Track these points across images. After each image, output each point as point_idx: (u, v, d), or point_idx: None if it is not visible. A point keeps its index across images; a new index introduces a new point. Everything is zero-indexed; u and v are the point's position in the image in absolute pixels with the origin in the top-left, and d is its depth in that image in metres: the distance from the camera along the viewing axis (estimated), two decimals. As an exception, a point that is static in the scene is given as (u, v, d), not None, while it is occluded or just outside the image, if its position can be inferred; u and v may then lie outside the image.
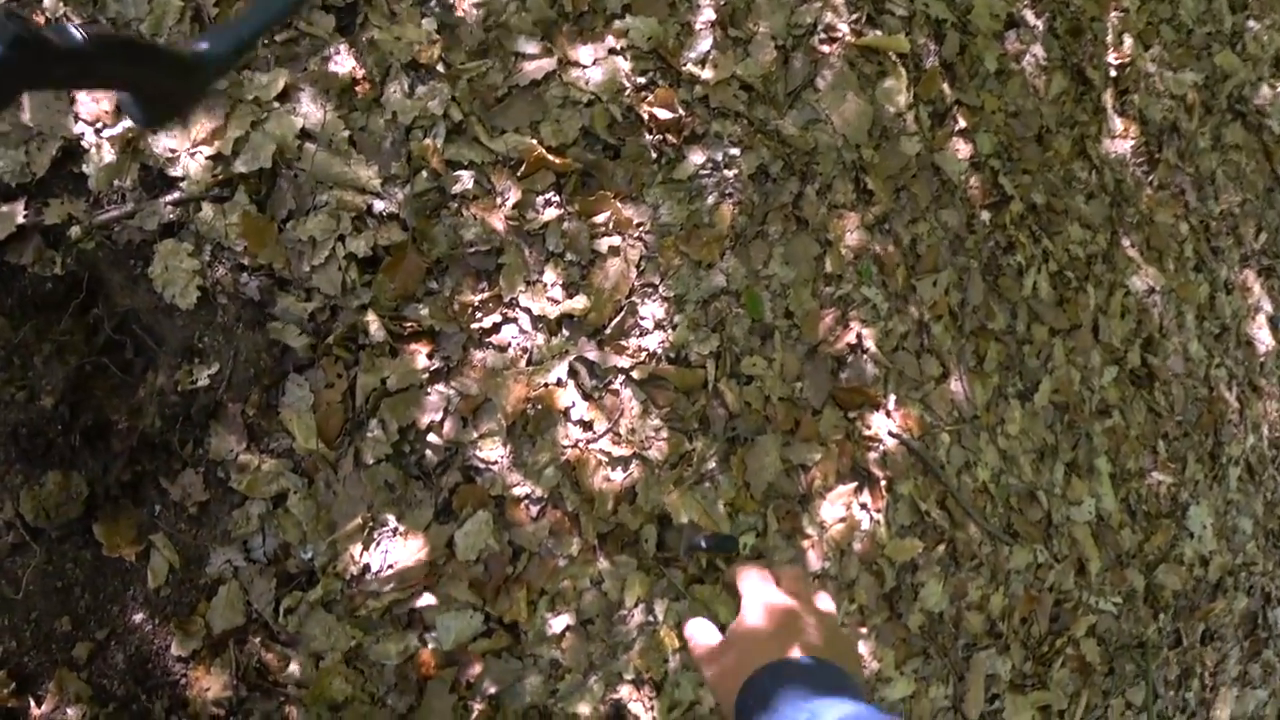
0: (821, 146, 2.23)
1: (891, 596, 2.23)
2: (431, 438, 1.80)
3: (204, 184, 1.76)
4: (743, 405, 2.07)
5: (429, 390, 1.81)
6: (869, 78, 2.34)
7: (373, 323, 1.77)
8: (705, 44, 2.15)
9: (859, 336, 2.21)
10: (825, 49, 2.29)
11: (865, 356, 2.22)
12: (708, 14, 2.18)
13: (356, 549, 1.76)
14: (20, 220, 1.71)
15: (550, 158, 1.91)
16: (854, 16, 2.34)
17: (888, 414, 2.23)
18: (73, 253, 1.75)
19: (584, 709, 1.91)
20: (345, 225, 1.78)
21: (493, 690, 1.84)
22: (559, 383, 1.88)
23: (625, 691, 1.95)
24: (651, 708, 1.96)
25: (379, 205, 1.82)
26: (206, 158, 1.76)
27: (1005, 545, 2.37)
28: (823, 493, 2.14)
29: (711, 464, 2.03)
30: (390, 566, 1.77)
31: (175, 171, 1.77)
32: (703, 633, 0.94)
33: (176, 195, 1.77)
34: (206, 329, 1.77)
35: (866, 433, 2.20)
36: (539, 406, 1.86)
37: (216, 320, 1.77)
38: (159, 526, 1.70)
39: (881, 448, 2.22)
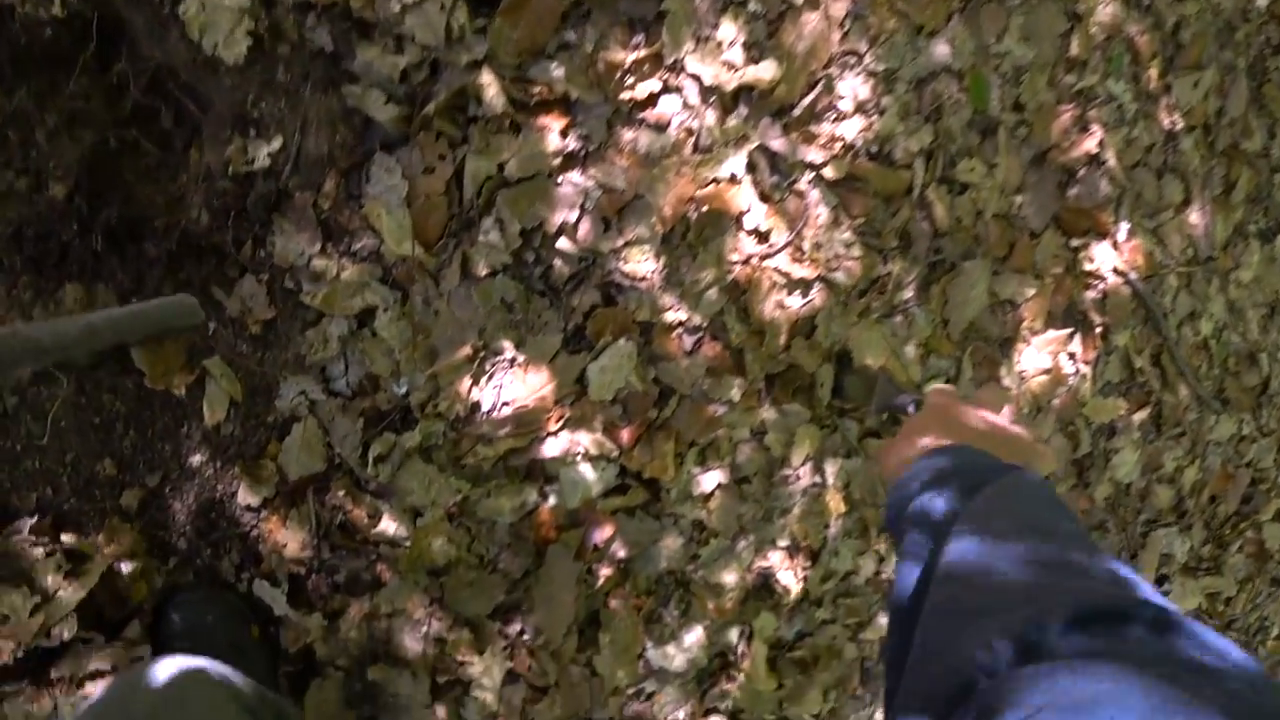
0: (1082, -124, 1.41)
1: (1082, 463, 1.61)
2: (563, 244, 1.16)
3: None
4: (952, 221, 1.38)
5: (561, 180, 1.15)
6: None
7: (488, 85, 1.09)
8: None
9: (1100, 145, 1.47)
10: None
11: (1100, 170, 1.49)
12: None
13: (464, 383, 1.17)
14: (-4, -95, 1.03)
15: None
16: None
17: (1115, 246, 1.53)
18: (79, -26, 1.07)
19: (728, 577, 1.36)
20: (452, -63, 1.07)
21: (623, 554, 1.29)
22: (733, 178, 1.21)
23: (776, 559, 1.39)
24: (804, 578, 1.41)
25: (499, -90, 1.09)
26: None
27: (1213, 413, 1.72)
28: (1028, 336, 1.48)
29: (908, 293, 1.37)
30: (505, 405, 1.19)
31: None
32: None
33: (216, -121, 1.06)
34: (264, 91, 1.11)
35: (1088, 266, 1.51)
36: (705, 208, 1.20)
37: (276, 80, 1.11)
38: (214, 349, 1.12)
39: (1102, 287, 1.53)
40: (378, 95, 1.09)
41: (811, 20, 1.23)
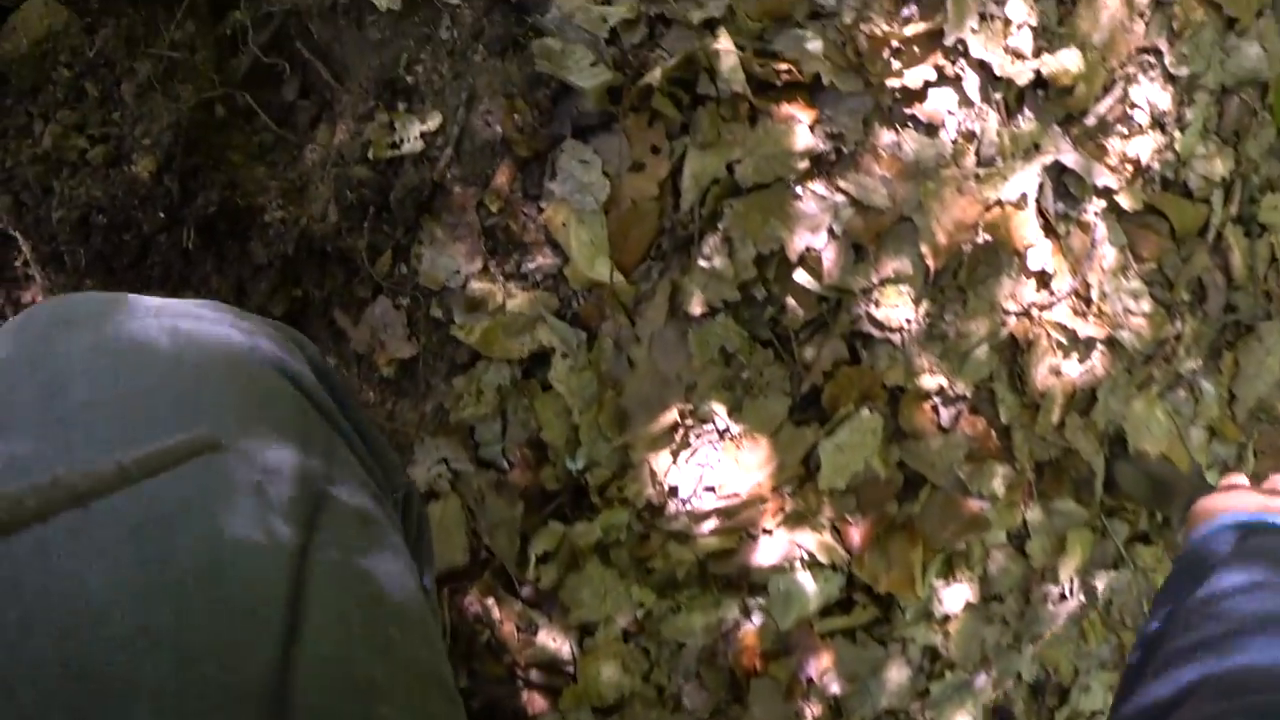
0: None
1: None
2: (801, 277, 0.86)
3: None
4: (1246, 270, 1.07)
5: (804, 191, 0.85)
6: None
7: (725, 55, 0.80)
8: None
9: None
10: None
11: None
12: None
13: (659, 459, 0.85)
14: None
15: None
16: None
17: None
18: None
19: (960, 718, 1.03)
20: None
21: (836, 689, 0.96)
22: (1021, 201, 0.90)
23: (1019, 695, 1.06)
24: (1048, 718, 1.08)
25: None
26: None
27: None
28: (1322, 419, 1.17)
29: (1195, 361, 1.06)
30: (710, 491, 0.87)
31: None
32: None
33: None
34: (421, 50, 0.83)
35: (1393, 332, 1.20)
36: (986, 239, 0.89)
37: (439, 35, 0.82)
38: (332, 394, 0.81)
39: (1406, 357, 1.22)
40: (578, 57, 0.79)
41: (1111, 4, 0.95)
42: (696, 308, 0.84)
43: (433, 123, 0.83)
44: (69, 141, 0.80)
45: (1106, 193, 0.96)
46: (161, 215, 0.79)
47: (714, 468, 0.87)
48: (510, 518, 0.85)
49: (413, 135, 0.83)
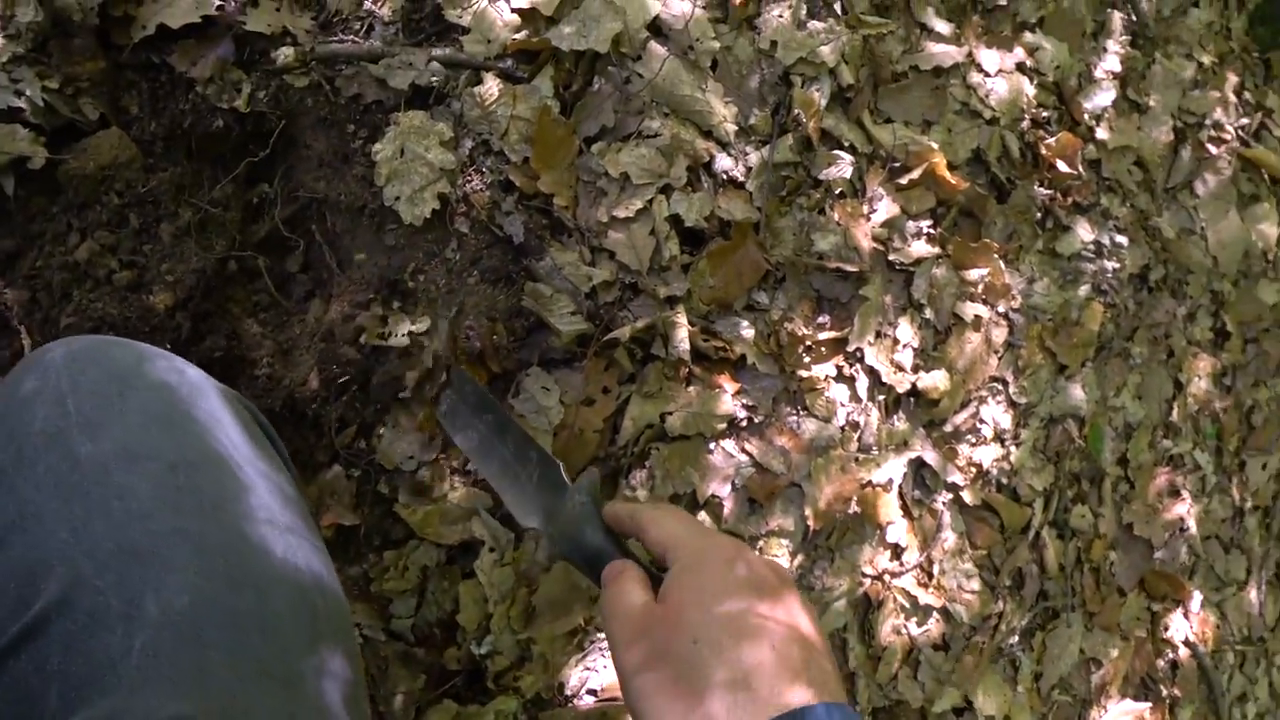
0: (1194, 265, 1.47)
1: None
2: (703, 517, 0.99)
3: (498, 47, 0.96)
4: (1057, 566, 1.27)
5: (718, 447, 1.00)
6: (1245, 198, 1.59)
7: (679, 327, 0.96)
8: (1105, 98, 1.39)
9: (1188, 512, 1.43)
10: (1212, 149, 1.54)
11: (1182, 538, 1.44)
12: (1111, 62, 1.42)
13: (556, 658, 0.94)
14: (212, 8, 0.90)
15: (944, 174, 1.13)
16: (1243, 122, 1.59)
17: (1187, 615, 1.45)
18: (271, 86, 0.93)
19: None
20: (675, 173, 0.98)
21: None
22: (888, 485, 1.08)
23: None
24: None
25: (723, 162, 1.02)
26: (515, 9, 0.96)
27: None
28: (1105, 702, 1.35)
29: (1014, 638, 1.23)
30: (591, 694, 0.95)
31: (460, 16, 0.96)
32: (630, 583, 0.52)
33: (450, 50, 0.96)
34: (428, 262, 0.95)
35: (1165, 633, 1.42)
36: (856, 511, 1.06)
37: (445, 254, 0.96)
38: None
39: (1173, 656, 1.43)
40: (561, 303, 0.93)
41: (974, 340, 1.18)
42: (613, 528, 0.95)
43: (421, 325, 0.95)
44: (100, 259, 0.87)
45: (954, 488, 1.16)
46: (168, 347, 0.86)
47: (599, 673, 0.96)
48: (410, 689, 0.90)
49: (401, 331, 0.94)
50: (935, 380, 1.11)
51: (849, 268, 1.04)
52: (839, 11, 1.11)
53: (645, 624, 0.49)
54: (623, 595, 0.52)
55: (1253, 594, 1.56)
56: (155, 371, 0.59)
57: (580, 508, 0.61)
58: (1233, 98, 1.60)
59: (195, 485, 0.53)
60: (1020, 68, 1.29)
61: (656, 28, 1.00)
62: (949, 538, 1.16)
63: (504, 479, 0.73)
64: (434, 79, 0.94)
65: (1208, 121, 1.55)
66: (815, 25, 1.07)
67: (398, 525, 0.93)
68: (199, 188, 0.91)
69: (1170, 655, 1.44)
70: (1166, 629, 1.43)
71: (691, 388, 0.98)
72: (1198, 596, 1.47)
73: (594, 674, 0.96)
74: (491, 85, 0.94)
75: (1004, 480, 1.22)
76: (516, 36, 0.95)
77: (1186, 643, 1.45)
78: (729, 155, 1.02)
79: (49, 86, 0.84)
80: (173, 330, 0.85)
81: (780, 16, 1.06)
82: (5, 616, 0.48)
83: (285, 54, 0.91)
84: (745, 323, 1.01)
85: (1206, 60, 1.55)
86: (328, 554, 0.61)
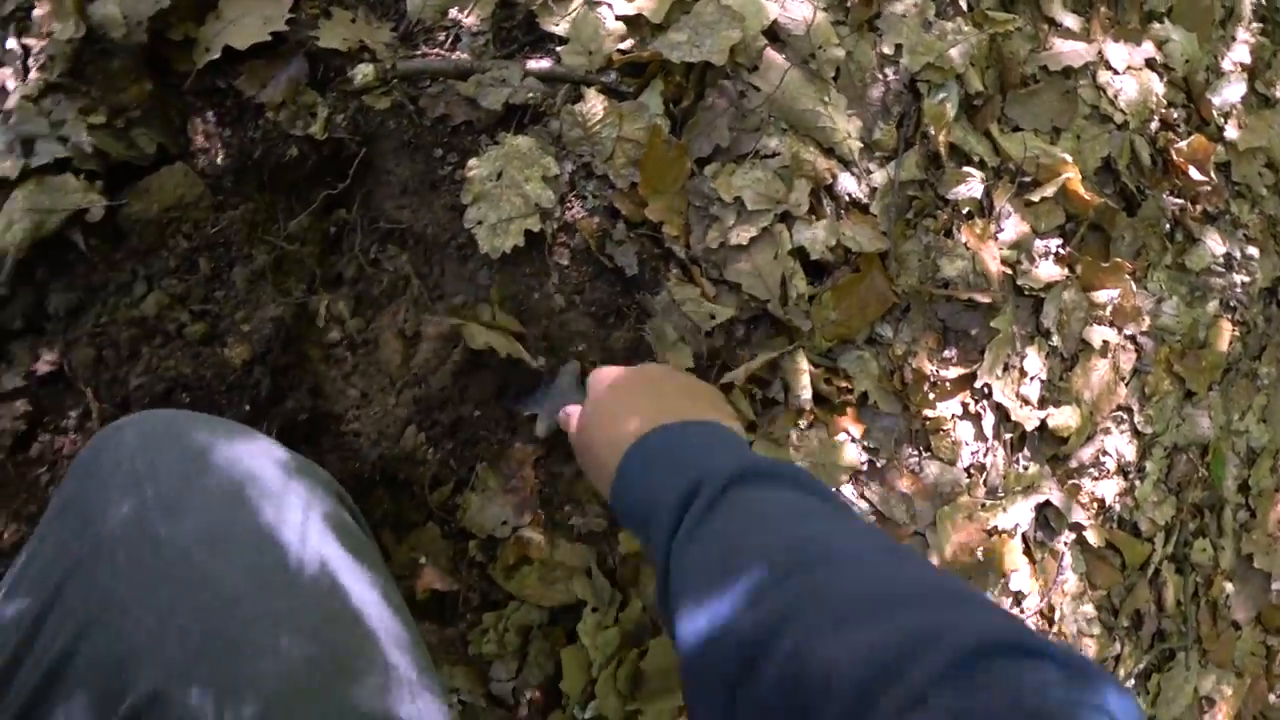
0: (1320, 274, 1.32)
1: None
2: (821, 571, 0.88)
3: (600, 59, 0.83)
4: (1174, 603, 1.16)
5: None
6: (1373, 202, 1.43)
7: (800, 369, 0.84)
8: (1234, 92, 1.23)
9: (1309, 540, 1.30)
10: (1340, 147, 1.38)
11: (1299, 566, 1.32)
12: (1240, 52, 1.26)
13: (668, 724, 0.84)
14: (281, 23, 0.78)
15: (1077, 189, 0.99)
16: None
17: (1301, 647, 1.33)
18: (349, 108, 0.82)
19: None
20: (795, 198, 0.86)
21: None
22: (1012, 531, 0.96)
23: None
24: None
25: (846, 182, 0.89)
26: (619, 16, 0.83)
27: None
28: (1217, 740, 1.24)
29: (1131, 681, 1.12)
30: (702, 758, 0.86)
31: (556, 25, 0.84)
32: (574, 415, 0.69)
33: (549, 64, 0.84)
34: (527, 297, 0.84)
35: (1278, 669, 1.30)
36: (981, 560, 0.94)
37: (544, 290, 0.84)
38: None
39: (1285, 690, 1.32)
40: (678, 339, 0.82)
41: (1101, 368, 1.05)
42: (727, 587, 0.85)
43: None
44: (169, 311, 0.77)
45: (1077, 527, 1.04)
46: (247, 408, 0.76)
47: (711, 737, 0.86)
48: (512, 760, 0.81)
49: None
50: (1065, 418, 0.98)
51: (980, 298, 0.92)
52: (964, 8, 0.97)
53: (584, 418, 0.66)
54: (573, 422, 0.68)
55: (1366, 620, 1.43)
56: (233, 449, 0.54)
57: (565, 383, 0.79)
58: (1362, 87, 1.43)
59: (281, 564, 0.49)
60: (1149, 64, 1.14)
61: (774, 34, 0.87)
62: (1069, 579, 1.05)
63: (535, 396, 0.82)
64: (530, 96, 0.82)
65: (1335, 114, 1.39)
66: (943, 25, 0.93)
67: (497, 590, 0.83)
68: (273, 224, 0.80)
69: (1282, 688, 1.32)
70: (1280, 661, 1.31)
71: (813, 432, 0.87)
72: (1312, 626, 1.34)
73: (704, 740, 0.86)
74: (594, 102, 0.82)
75: (1125, 515, 1.10)
76: (621, 47, 0.83)
77: (1300, 675, 1.32)
78: (852, 174, 0.89)
79: (94, 123, 0.73)
80: (251, 388, 0.75)
81: (905, 16, 0.92)
82: (93, 713, 0.45)
83: (363, 72, 0.79)
84: (866, 357, 0.89)
85: (1337, 48, 1.38)
86: (426, 654, 0.54)
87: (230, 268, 0.79)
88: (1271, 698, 1.32)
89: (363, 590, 0.52)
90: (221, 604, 0.47)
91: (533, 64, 0.84)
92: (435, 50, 0.84)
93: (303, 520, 0.52)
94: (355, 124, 0.82)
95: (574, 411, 0.70)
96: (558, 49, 0.84)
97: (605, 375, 0.67)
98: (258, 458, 0.54)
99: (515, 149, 0.80)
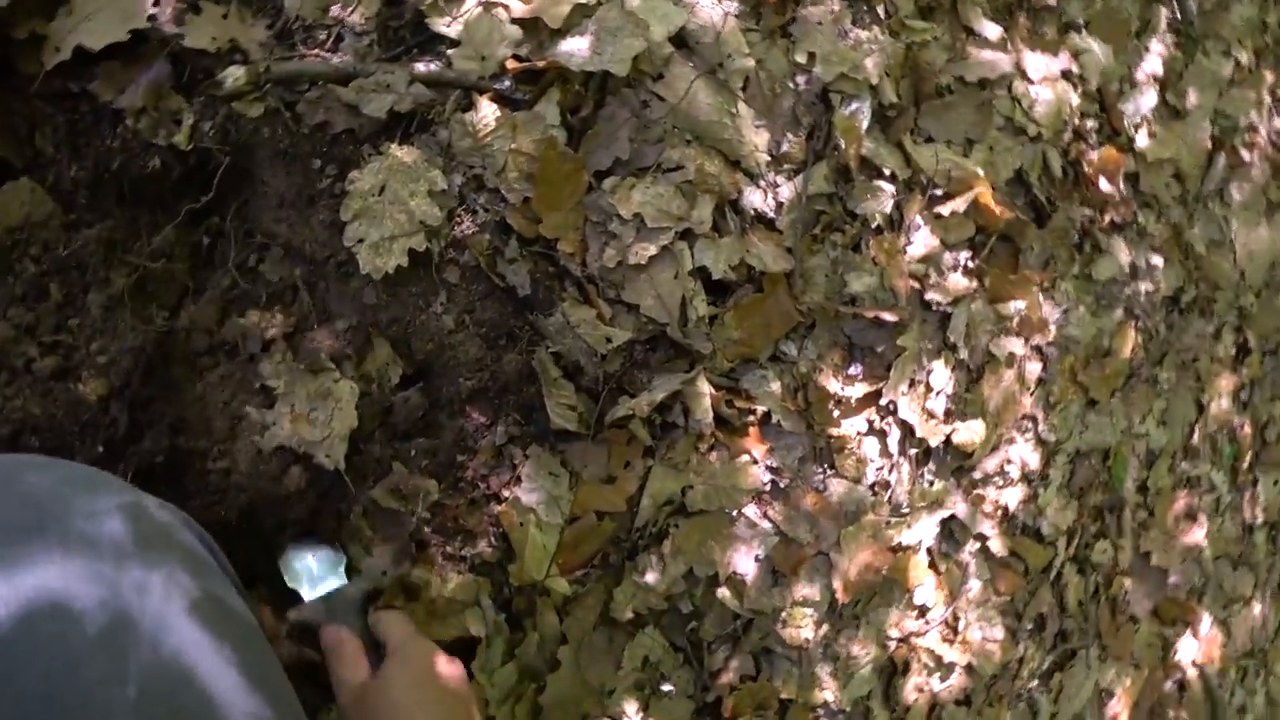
0: (1222, 280, 1.33)
1: None
2: (724, 593, 0.86)
3: (494, 64, 0.78)
4: (1075, 603, 1.17)
5: (740, 518, 0.86)
6: (1275, 205, 1.45)
7: (701, 396, 0.81)
8: (1146, 102, 1.22)
9: (1206, 535, 1.33)
10: (1245, 154, 1.39)
11: (1195, 560, 1.34)
12: (1153, 64, 1.25)
13: (566, 755, 0.81)
14: (142, 20, 0.71)
15: (988, 202, 0.97)
16: (1277, 124, 1.44)
17: (1196, 636, 1.36)
18: (218, 115, 0.74)
19: None
20: (698, 215, 0.81)
21: None
22: (916, 546, 0.95)
23: None
24: None
25: (752, 197, 0.85)
26: (515, 20, 0.77)
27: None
28: (1113, 731, 1.27)
29: (1034, 682, 1.13)
30: (604, 785, 0.83)
31: (447, 27, 0.78)
32: (353, 662, 0.68)
33: (436, 67, 0.78)
34: (411, 317, 0.79)
35: (1175, 657, 1.33)
36: (886, 576, 0.93)
37: (430, 310, 0.79)
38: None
39: (1181, 678, 1.35)
40: (565, 393, 0.78)
41: (1007, 379, 1.04)
42: (626, 615, 0.82)
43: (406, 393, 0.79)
44: (17, 345, 0.70)
45: (981, 538, 1.03)
46: (100, 449, 0.70)
47: (612, 764, 0.84)
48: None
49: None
50: (970, 432, 0.97)
51: (887, 316, 0.89)
52: (881, 16, 0.93)
53: (364, 691, 0.66)
54: (349, 667, 0.68)
55: (1257, 609, 1.48)
56: (53, 521, 0.44)
57: (356, 593, 0.73)
58: (1268, 98, 1.44)
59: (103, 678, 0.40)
60: (1065, 75, 1.12)
61: (681, 39, 0.82)
62: (974, 587, 1.04)
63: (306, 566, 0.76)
64: (417, 103, 0.76)
65: (1242, 124, 1.40)
66: (859, 34, 0.89)
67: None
68: (135, 241, 0.73)
69: (1178, 677, 1.36)
70: (1176, 653, 1.34)
71: (714, 455, 0.84)
72: (1207, 618, 1.38)
73: (605, 766, 0.84)
74: (486, 111, 0.76)
75: (1029, 522, 1.10)
76: (518, 53, 0.77)
77: (1194, 664, 1.36)
78: (759, 188, 0.85)
79: None
80: (107, 427, 0.68)
81: (819, 24, 0.88)
82: None
83: (234, 75, 0.72)
84: (769, 376, 0.86)
85: (1244, 58, 1.39)
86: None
87: (85, 293, 0.72)
88: (1168, 685, 1.35)
89: (218, 675, 0.46)
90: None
91: (421, 68, 0.77)
92: (314, 51, 0.77)
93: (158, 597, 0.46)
94: (225, 132, 0.74)
95: (344, 640, 0.69)
96: (449, 52, 0.78)
97: (422, 663, 0.68)
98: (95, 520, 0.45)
99: (399, 161, 0.74)
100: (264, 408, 0.75)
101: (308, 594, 0.73)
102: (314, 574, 0.75)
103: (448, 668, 0.70)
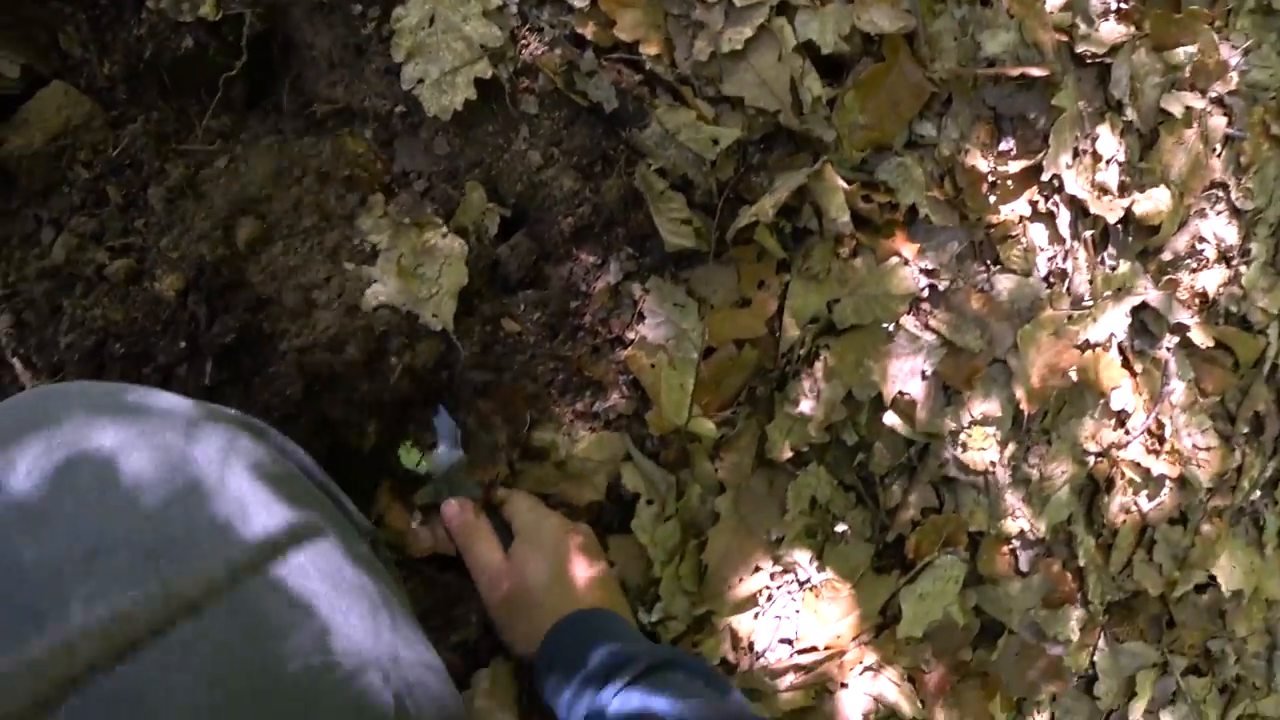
0: None
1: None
2: (891, 419, 0.75)
3: None
4: (1297, 401, 1.00)
5: (898, 330, 0.75)
6: None
7: (832, 189, 0.69)
8: None
9: None
10: None
11: None
12: None
13: (743, 616, 0.73)
14: None
15: (1138, -81, 0.79)
16: None
17: None
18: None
19: None
20: (796, -17, 0.68)
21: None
22: (1107, 343, 0.81)
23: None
24: None
25: (855, -46, 0.71)
26: None
27: None
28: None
29: (1256, 493, 0.98)
30: (788, 644, 0.75)
31: None
32: (484, 545, 0.66)
33: None
34: (495, 162, 0.70)
35: None
36: (1075, 381, 0.80)
37: (514, 147, 0.70)
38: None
39: None
40: (676, 205, 0.67)
41: (1189, 138, 0.87)
42: (785, 453, 0.72)
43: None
44: (84, 254, 0.65)
45: (1180, 329, 0.88)
46: (183, 344, 0.65)
47: (791, 619, 0.75)
48: (576, 677, 0.71)
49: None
50: (1152, 203, 0.81)
51: (1035, 73, 0.74)
52: None
53: (499, 576, 0.65)
54: (484, 554, 0.66)
55: None
56: (113, 427, 0.39)
57: (475, 465, 0.69)
58: None
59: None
60: None
61: None
62: (1177, 389, 0.89)
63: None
64: (458, -90, 0.66)
65: None
66: None
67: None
68: (187, 132, 0.67)
69: None
70: None
71: (858, 260, 0.72)
72: None
73: (785, 620, 0.75)
74: (535, -96, 0.66)
75: (1232, 308, 0.93)
76: None
77: None
78: (860, -57, 0.71)
79: None
80: (187, 322, 0.63)
81: None
82: None
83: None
84: (908, 162, 0.73)
85: None
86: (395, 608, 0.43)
87: (144, 190, 0.66)
88: None
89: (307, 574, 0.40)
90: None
91: (453, -128, 0.67)
92: (339, -121, 0.68)
93: (214, 503, 0.38)
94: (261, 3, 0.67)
95: (466, 508, 0.67)
96: None
97: (545, 531, 0.66)
98: (146, 432, 0.39)
99: (438, -20, 0.65)
100: (365, 263, 0.68)
101: (427, 468, 0.68)
102: (432, 449, 0.69)
103: (579, 541, 0.67)
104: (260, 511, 0.37)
